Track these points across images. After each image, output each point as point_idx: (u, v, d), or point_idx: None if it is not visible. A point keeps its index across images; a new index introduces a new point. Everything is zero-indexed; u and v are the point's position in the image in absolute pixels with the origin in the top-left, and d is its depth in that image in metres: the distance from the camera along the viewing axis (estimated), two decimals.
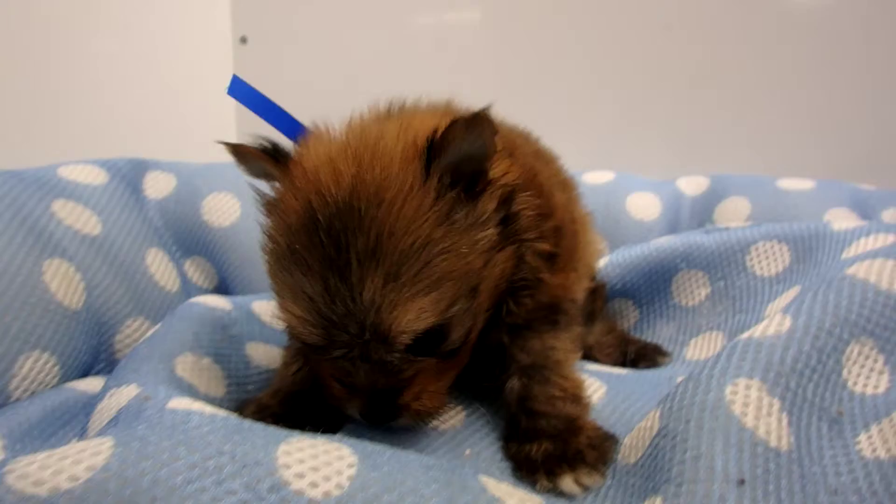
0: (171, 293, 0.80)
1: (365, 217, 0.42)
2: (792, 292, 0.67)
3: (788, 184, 0.94)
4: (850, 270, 0.52)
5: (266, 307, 0.78)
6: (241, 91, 0.56)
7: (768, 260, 0.76)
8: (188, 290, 0.88)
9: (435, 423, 0.54)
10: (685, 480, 0.37)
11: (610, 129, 1.22)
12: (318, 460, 0.37)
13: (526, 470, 0.48)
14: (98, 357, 0.68)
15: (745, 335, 0.48)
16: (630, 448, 0.47)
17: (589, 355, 0.79)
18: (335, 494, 0.35)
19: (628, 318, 0.87)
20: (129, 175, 0.92)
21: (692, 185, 1.02)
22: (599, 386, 0.61)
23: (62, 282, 0.65)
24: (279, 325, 0.49)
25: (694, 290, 0.81)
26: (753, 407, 0.41)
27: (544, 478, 0.47)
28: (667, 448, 0.41)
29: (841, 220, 0.83)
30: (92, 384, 0.62)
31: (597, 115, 1.22)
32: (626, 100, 1.22)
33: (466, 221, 0.46)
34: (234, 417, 0.40)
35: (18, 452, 0.51)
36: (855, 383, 0.46)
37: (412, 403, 0.48)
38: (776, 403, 0.42)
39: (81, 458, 0.34)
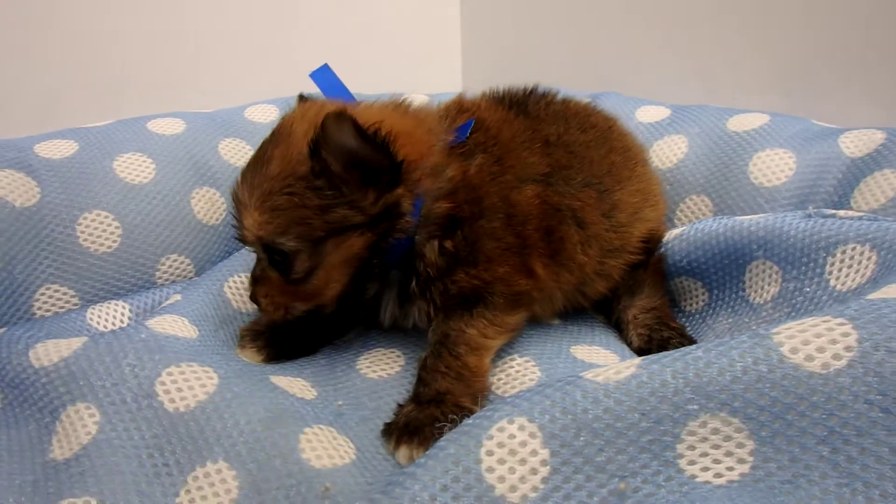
0: (214, 225, 0.97)
1: (268, 147, 0.61)
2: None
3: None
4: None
5: None
6: (324, 77, 0.69)
7: (849, 269, 0.59)
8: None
9: (370, 369, 0.64)
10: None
11: (783, 68, 0.96)
12: (186, 384, 0.52)
13: (386, 432, 0.55)
14: (138, 286, 0.92)
15: (587, 372, 0.45)
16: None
17: (622, 331, 0.75)
18: (181, 410, 0.50)
19: (696, 301, 0.77)
20: (207, 130, 1.13)
21: (859, 142, 0.77)
22: (534, 378, 0.61)
23: (206, 205, 0.91)
24: None
25: (764, 286, 0.68)
26: (507, 450, 0.40)
27: (392, 443, 0.53)
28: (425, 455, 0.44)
29: None
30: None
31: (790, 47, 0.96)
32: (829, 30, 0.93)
33: (325, 195, 0.57)
34: (174, 339, 0.58)
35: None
36: (692, 463, 0.39)
37: (261, 298, 0.64)
38: (543, 454, 0.39)
39: (59, 348, 0.56)
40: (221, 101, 1.10)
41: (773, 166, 0.82)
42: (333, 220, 0.58)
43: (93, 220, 0.80)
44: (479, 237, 0.61)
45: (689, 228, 0.76)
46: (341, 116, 0.53)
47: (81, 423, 0.50)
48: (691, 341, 0.70)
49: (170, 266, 0.86)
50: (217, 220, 0.92)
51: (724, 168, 0.86)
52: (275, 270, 0.61)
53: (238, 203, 0.61)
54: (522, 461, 0.40)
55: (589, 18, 1.35)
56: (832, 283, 0.60)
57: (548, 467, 0.40)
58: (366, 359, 0.67)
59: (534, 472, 0.40)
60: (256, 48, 1.38)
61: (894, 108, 0.86)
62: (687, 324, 0.77)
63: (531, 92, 0.78)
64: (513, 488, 0.39)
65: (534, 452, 0.40)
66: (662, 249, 0.78)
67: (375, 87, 1.14)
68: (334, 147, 0.55)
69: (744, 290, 0.71)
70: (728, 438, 0.39)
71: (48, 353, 0.55)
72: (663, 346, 0.69)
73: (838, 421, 0.38)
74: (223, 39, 1.34)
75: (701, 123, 0.95)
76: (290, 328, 0.69)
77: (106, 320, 0.75)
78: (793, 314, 0.63)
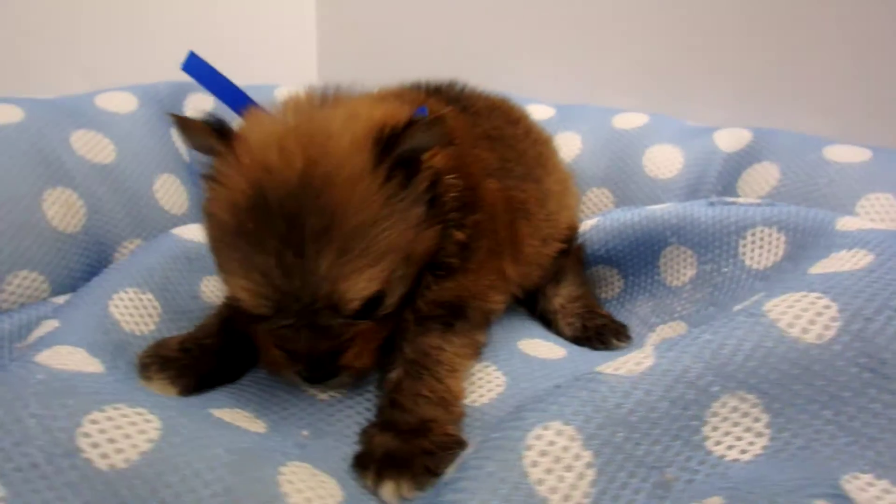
0: (176, 216, 0.88)
1: (319, 198, 0.47)
2: (755, 298, 0.59)
3: (837, 153, 0.78)
4: (769, 305, 0.45)
5: None
6: (196, 67, 0.59)
7: (762, 249, 0.66)
8: (196, 213, 0.95)
9: (316, 391, 0.57)
10: None
11: (651, 70, 1.06)
12: (119, 432, 0.41)
13: (361, 464, 0.48)
14: (96, 272, 0.78)
15: (601, 367, 0.44)
16: (456, 462, 0.45)
17: (551, 321, 0.76)
18: (120, 467, 0.40)
19: (612, 288, 0.81)
20: (167, 100, 0.99)
21: (731, 139, 0.88)
22: (500, 383, 0.58)
23: (61, 208, 0.74)
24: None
25: (680, 270, 0.74)
26: (551, 458, 0.37)
27: (371, 478, 0.47)
28: (449, 479, 0.39)
29: (871, 211, 0.70)
30: None
31: (652, 50, 1.06)
32: (685, 32, 1.04)
33: (405, 201, 0.51)
34: (80, 375, 0.46)
35: None
36: (718, 443, 0.40)
37: (353, 363, 0.52)
38: (586, 456, 0.38)
39: None
40: (45, 89, 0.91)
41: (665, 160, 0.89)
42: (415, 225, 0.51)
43: None
44: (478, 237, 0.58)
45: (604, 218, 0.80)
46: (438, 121, 0.49)
47: None
48: (622, 326, 0.73)
49: (18, 285, 0.69)
50: (76, 226, 0.76)
51: (619, 162, 0.92)
52: (359, 319, 0.51)
53: (308, 275, 0.48)
54: (569, 467, 0.38)
55: (453, 12, 1.34)
56: (747, 262, 0.67)
57: (594, 469, 0.38)
58: None
59: (581, 476, 0.38)
60: (83, 31, 1.17)
61: (741, 110, 0.98)
62: (606, 309, 0.80)
63: (452, 86, 0.76)
64: (566, 497, 0.37)
65: (577, 456, 0.38)
66: (580, 239, 0.80)
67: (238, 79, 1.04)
68: (411, 149, 0.50)
69: (659, 275, 0.76)
70: (745, 415, 0.41)
71: None
72: (600, 332, 0.72)
73: (837, 386, 0.41)
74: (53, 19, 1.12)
75: (588, 121, 1.00)
76: (207, 350, 0.59)
77: None
78: (716, 293, 0.68)
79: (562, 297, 0.76)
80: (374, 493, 0.46)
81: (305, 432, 0.51)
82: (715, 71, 0.99)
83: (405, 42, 1.44)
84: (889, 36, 0.86)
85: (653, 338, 0.71)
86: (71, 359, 0.49)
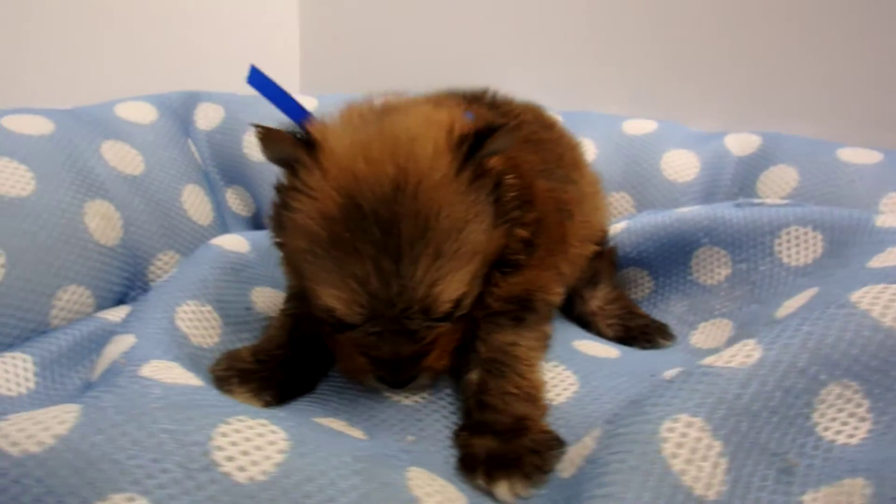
0: (203, 227, 0.86)
1: (413, 203, 0.48)
2: (809, 293, 0.62)
3: (851, 155, 0.84)
4: (855, 297, 0.48)
5: None
6: (259, 80, 0.59)
7: (798, 248, 0.70)
8: (225, 218, 0.94)
9: (399, 396, 0.57)
10: None
11: (653, 76, 1.11)
12: (250, 444, 0.41)
13: (467, 466, 0.49)
14: (134, 285, 0.76)
15: (708, 360, 0.46)
16: (569, 461, 0.47)
17: (590, 323, 0.78)
18: (259, 480, 0.39)
19: (642, 289, 0.84)
20: (181, 109, 0.98)
21: (741, 144, 0.93)
22: (573, 382, 0.60)
23: (101, 221, 0.72)
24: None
25: (714, 269, 0.77)
26: (687, 449, 0.39)
27: (482, 478, 0.48)
28: (588, 475, 0.41)
29: (895, 209, 0.75)
30: (121, 313, 0.70)
31: (642, 59, 1.11)
32: (675, 43, 1.10)
33: (482, 203, 0.52)
34: (193, 389, 0.45)
35: (48, 378, 0.60)
36: (827, 428, 0.43)
37: (434, 364, 0.54)
38: (717, 446, 0.40)
39: (49, 425, 0.39)
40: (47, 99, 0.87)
41: (682, 164, 0.93)
42: (489, 225, 0.52)
43: None
44: (539, 234, 0.59)
45: (633, 221, 0.83)
46: (515, 128, 0.53)
47: None
48: (663, 325, 0.76)
49: (68, 300, 0.66)
50: (115, 239, 0.73)
51: (636, 167, 0.96)
52: (442, 323, 0.52)
53: (405, 280, 0.48)
54: (704, 457, 0.40)
55: (438, 22, 1.35)
56: (785, 260, 0.71)
57: (725, 458, 0.40)
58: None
59: (716, 465, 0.40)
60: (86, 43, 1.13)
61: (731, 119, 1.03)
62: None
63: (485, 92, 0.78)
64: (708, 486, 0.39)
65: (709, 446, 0.40)
66: (612, 242, 0.83)
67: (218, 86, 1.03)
68: (489, 153, 0.52)
69: (691, 275, 0.79)
70: (848, 401, 0.44)
71: (26, 432, 0.39)
72: (644, 332, 0.74)
73: None
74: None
75: (597, 128, 1.04)
76: (281, 361, 0.58)
77: (7, 380, 0.55)
78: (756, 290, 0.72)
79: (598, 300, 0.78)
80: (489, 492, 0.47)
81: (411, 437, 0.52)
82: (709, 79, 1.04)
83: (391, 53, 1.44)
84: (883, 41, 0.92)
85: (696, 336, 0.74)
86: (172, 373, 0.48)
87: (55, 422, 0.40)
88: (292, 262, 0.56)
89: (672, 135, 0.99)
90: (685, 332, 0.76)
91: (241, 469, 0.40)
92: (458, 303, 0.52)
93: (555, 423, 0.56)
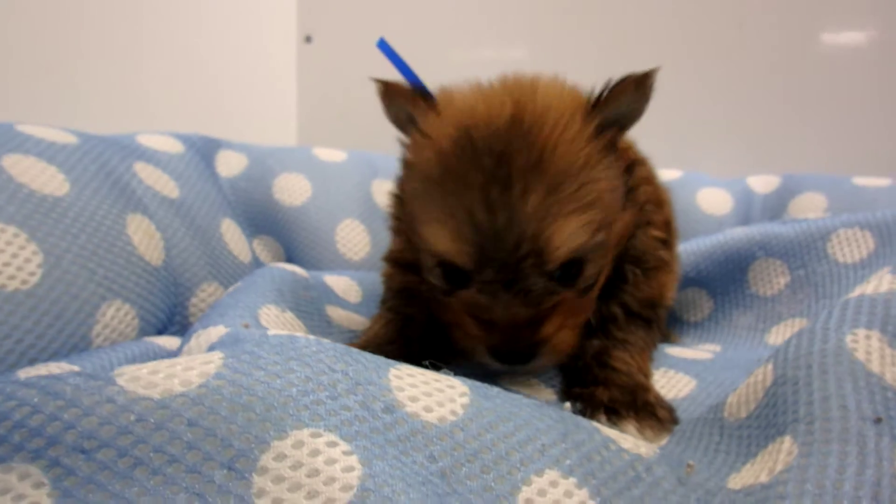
0: (245, 264, 0.80)
1: (528, 136, 0.45)
2: (882, 273, 0.63)
3: (864, 181, 0.91)
4: None
5: (337, 282, 0.78)
6: (387, 49, 0.58)
7: (850, 247, 0.73)
8: (258, 266, 0.88)
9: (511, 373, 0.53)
10: (816, 418, 0.35)
11: (678, 129, 1.19)
12: (430, 387, 0.36)
13: (590, 407, 0.47)
14: (173, 318, 0.69)
15: (855, 293, 0.45)
16: (737, 405, 0.44)
17: None
18: (450, 419, 0.34)
19: (702, 308, 0.84)
20: (203, 150, 0.94)
21: (762, 184, 0.99)
22: (689, 381, 0.58)
23: (144, 236, 0.66)
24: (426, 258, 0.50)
25: (772, 279, 0.78)
26: (877, 354, 0.39)
27: (604, 416, 0.45)
28: (788, 394, 0.38)
29: None
30: (169, 342, 0.62)
31: (666, 113, 1.20)
32: (696, 99, 1.20)
33: (610, 166, 0.49)
34: (339, 344, 0.40)
35: None
36: None
37: (553, 337, 0.47)
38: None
39: (192, 366, 0.33)
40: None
41: (715, 200, 0.99)
42: (618, 193, 0.50)
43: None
44: (670, 236, 0.60)
45: (688, 243, 0.84)
46: (646, 77, 0.48)
47: (337, 460, 0.29)
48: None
49: (112, 317, 0.58)
50: (158, 259, 0.67)
51: (674, 203, 0.99)
52: (561, 286, 0.48)
53: (514, 213, 0.45)
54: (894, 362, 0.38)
55: (434, 73, 1.41)
56: (840, 259, 0.73)
57: None
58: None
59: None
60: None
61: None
62: (698, 331, 0.82)
63: None
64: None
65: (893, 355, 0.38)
66: None
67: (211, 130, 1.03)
68: (616, 116, 0.49)
69: (749, 288, 0.80)
70: None
71: (162, 373, 0.32)
72: None
73: None
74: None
75: None
76: (394, 356, 0.53)
77: None
78: (819, 289, 0.74)
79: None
80: (638, 433, 0.45)
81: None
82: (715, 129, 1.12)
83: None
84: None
85: (772, 336, 0.74)
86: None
87: (198, 364, 0.33)
88: (408, 216, 0.53)
89: (698, 179, 1.05)
90: (758, 337, 0.75)
91: (429, 409, 0.34)
92: (573, 264, 0.48)
93: (685, 410, 0.53)
